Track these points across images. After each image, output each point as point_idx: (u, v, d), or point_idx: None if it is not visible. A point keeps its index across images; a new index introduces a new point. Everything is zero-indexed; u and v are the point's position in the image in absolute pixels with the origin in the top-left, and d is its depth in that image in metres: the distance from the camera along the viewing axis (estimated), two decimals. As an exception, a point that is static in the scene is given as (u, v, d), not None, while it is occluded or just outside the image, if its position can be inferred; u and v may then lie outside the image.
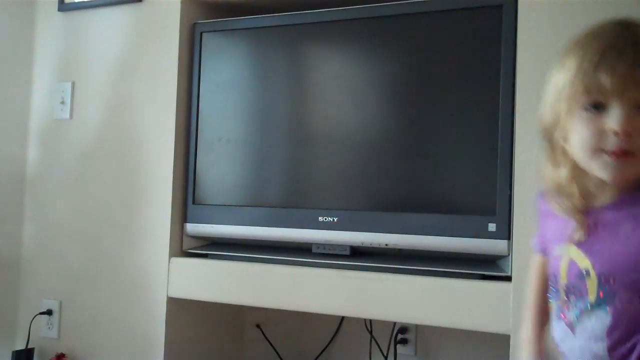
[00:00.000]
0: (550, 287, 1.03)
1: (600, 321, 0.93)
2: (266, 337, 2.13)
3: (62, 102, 2.17)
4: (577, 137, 0.93)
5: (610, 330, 0.92)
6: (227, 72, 1.97)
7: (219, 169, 1.96)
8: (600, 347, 0.93)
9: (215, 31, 1.97)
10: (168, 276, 1.94)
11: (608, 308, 0.91)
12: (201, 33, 1.97)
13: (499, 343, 1.53)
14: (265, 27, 1.90)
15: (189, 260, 1.95)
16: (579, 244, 0.96)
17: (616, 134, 0.88)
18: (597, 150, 0.90)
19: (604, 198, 0.96)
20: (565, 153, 0.97)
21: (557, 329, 1.01)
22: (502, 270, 1.54)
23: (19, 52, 2.24)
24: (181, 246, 1.98)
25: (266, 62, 1.94)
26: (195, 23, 1.99)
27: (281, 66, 1.92)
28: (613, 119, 0.88)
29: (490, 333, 1.52)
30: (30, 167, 2.24)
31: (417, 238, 1.62)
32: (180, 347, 1.98)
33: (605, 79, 0.87)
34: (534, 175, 1.49)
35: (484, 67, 1.57)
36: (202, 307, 2.01)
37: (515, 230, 1.50)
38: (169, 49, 1.97)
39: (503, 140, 1.53)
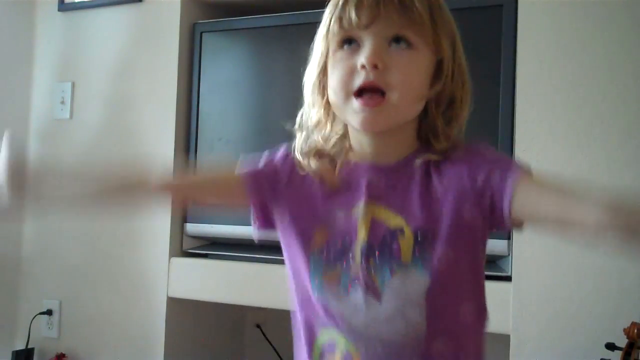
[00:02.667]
0: (324, 254, 0.87)
1: (416, 283, 0.82)
2: (266, 337, 2.13)
3: (62, 102, 2.17)
4: (332, 79, 0.87)
5: (430, 293, 0.82)
6: (227, 72, 1.96)
7: (219, 169, 1.95)
8: (418, 313, 0.82)
9: (215, 31, 1.97)
10: (168, 276, 1.94)
11: (424, 268, 0.82)
12: (201, 33, 1.97)
13: (499, 343, 1.53)
14: (265, 27, 1.90)
15: (189, 260, 1.95)
16: (387, 203, 0.85)
17: (362, 67, 0.82)
18: (349, 93, 0.83)
19: (388, 156, 0.87)
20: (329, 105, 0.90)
21: (347, 302, 0.85)
22: (502, 270, 1.54)
23: (19, 52, 2.24)
24: (181, 246, 1.97)
25: (266, 62, 1.94)
26: (195, 23, 1.99)
27: (281, 66, 1.92)
28: (362, 53, 0.82)
29: (490, 333, 1.52)
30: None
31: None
32: (180, 347, 1.98)
33: (352, 12, 0.83)
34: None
35: (484, 66, 1.57)
36: (202, 307, 2.00)
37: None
38: (169, 49, 1.97)
39: (503, 140, 1.53)
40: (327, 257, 0.87)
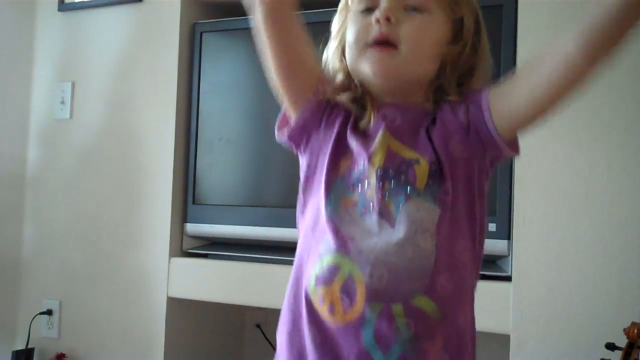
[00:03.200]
0: (345, 178, 0.89)
1: (429, 212, 0.84)
2: (266, 337, 2.13)
3: (62, 102, 2.17)
4: (348, 36, 0.91)
5: (440, 222, 0.84)
6: (227, 72, 1.97)
7: (219, 169, 1.96)
8: (429, 241, 0.83)
9: (215, 31, 1.97)
10: (168, 276, 1.94)
11: (435, 199, 0.84)
12: (201, 33, 1.97)
13: (499, 343, 1.53)
14: (265, 27, 1.90)
15: (189, 260, 1.95)
16: (401, 139, 0.88)
17: (377, 21, 0.87)
18: (364, 46, 0.88)
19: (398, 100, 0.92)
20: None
21: (360, 225, 0.86)
22: (502, 270, 1.54)
23: (19, 52, 2.24)
24: (181, 246, 1.97)
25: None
26: (195, 23, 1.99)
27: (281, 66, 1.92)
28: (378, 10, 0.88)
29: (490, 333, 1.52)
30: (30, 167, 2.24)
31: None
32: (180, 347, 1.98)
33: None
34: (534, 175, 1.50)
35: (484, 67, 1.57)
36: (202, 307, 2.00)
37: (515, 230, 1.50)
38: (169, 49, 1.97)
39: (503, 140, 1.53)
40: (347, 182, 0.89)
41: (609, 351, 1.26)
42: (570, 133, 1.47)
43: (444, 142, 0.86)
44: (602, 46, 0.75)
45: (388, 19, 0.86)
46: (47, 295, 2.15)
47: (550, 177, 1.48)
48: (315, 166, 0.92)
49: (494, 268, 1.55)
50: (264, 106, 1.92)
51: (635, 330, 1.23)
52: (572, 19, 1.49)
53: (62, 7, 2.18)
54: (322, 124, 0.93)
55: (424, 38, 0.87)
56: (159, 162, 1.97)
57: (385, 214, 0.85)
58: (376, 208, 0.85)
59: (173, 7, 1.98)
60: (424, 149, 0.87)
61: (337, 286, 0.84)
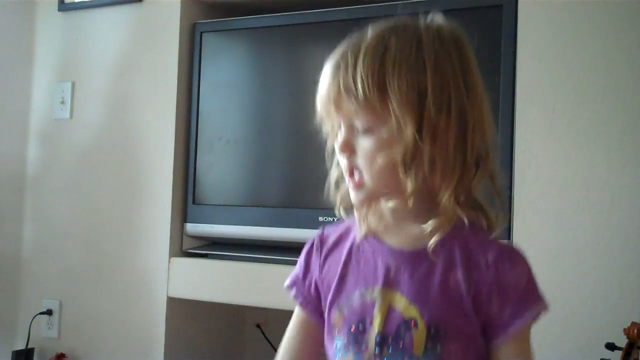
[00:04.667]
0: (342, 338, 0.87)
1: None
2: (266, 337, 2.13)
3: (62, 102, 2.17)
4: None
5: None
6: (227, 72, 1.96)
7: (219, 169, 1.96)
8: None
9: (215, 31, 1.97)
10: (168, 276, 1.94)
11: None
12: (201, 33, 1.97)
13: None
14: (265, 27, 1.90)
15: (189, 260, 1.95)
16: (403, 290, 0.84)
17: (339, 153, 0.85)
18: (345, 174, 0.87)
19: (399, 239, 0.86)
20: None
21: None
22: (502, 270, 1.54)
23: (19, 52, 2.24)
24: (181, 246, 1.97)
25: (266, 62, 1.94)
26: (195, 23, 1.99)
27: (281, 66, 1.92)
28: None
29: (490, 333, 1.52)
30: (30, 167, 2.24)
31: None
32: (180, 347, 1.98)
33: (318, 105, 0.86)
34: (534, 175, 1.50)
35: (484, 67, 1.57)
36: (202, 307, 2.00)
37: (515, 230, 1.50)
38: (169, 49, 1.97)
39: (503, 140, 1.53)
40: (343, 340, 0.87)
41: (609, 351, 1.26)
42: (570, 133, 1.47)
43: (464, 297, 0.82)
44: None
45: (345, 152, 0.84)
46: (47, 295, 2.15)
47: (550, 177, 1.48)
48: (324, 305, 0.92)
49: (494, 268, 1.55)
50: (264, 106, 1.92)
51: (635, 330, 1.23)
52: (572, 19, 1.49)
53: (62, 7, 2.18)
54: (316, 286, 0.93)
55: (376, 162, 0.81)
56: (159, 162, 1.97)
57: None
58: None
59: (173, 7, 1.97)
60: (426, 303, 0.83)
61: None
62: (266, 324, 2.19)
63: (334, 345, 0.88)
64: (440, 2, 1.65)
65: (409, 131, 0.79)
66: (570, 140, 1.47)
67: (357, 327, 0.85)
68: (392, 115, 0.79)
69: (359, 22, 1.95)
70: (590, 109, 1.46)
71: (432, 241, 0.82)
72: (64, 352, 2.09)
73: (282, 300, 1.81)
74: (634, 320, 1.24)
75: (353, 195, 0.85)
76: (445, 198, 0.81)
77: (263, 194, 1.92)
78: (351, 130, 0.83)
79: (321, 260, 0.93)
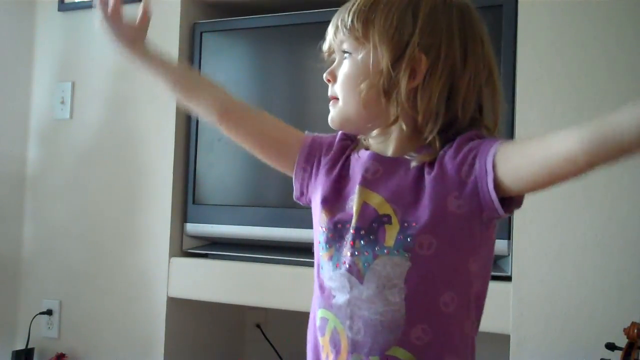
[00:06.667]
0: (325, 233, 0.93)
1: (397, 267, 0.86)
2: (266, 337, 2.13)
3: (62, 102, 2.17)
4: None
5: (409, 277, 0.85)
6: (227, 72, 1.96)
7: (219, 169, 1.96)
8: (397, 295, 0.85)
9: (215, 31, 1.97)
10: (168, 276, 1.94)
11: (407, 253, 0.85)
12: (201, 33, 1.97)
13: (499, 343, 1.53)
14: (265, 27, 1.90)
15: (189, 260, 1.95)
16: (379, 191, 0.90)
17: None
18: None
19: (385, 148, 0.93)
20: None
21: (335, 280, 0.90)
22: (502, 270, 1.54)
23: (19, 52, 2.24)
24: (181, 246, 1.97)
25: (266, 62, 1.94)
26: (195, 23, 1.99)
27: (281, 66, 1.92)
28: None
29: (490, 333, 1.52)
30: (30, 167, 2.24)
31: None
32: (180, 347, 1.98)
33: (324, 41, 0.96)
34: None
35: (484, 67, 1.57)
36: (202, 307, 2.00)
37: (515, 230, 1.50)
38: (169, 49, 1.97)
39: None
40: (327, 235, 0.92)
41: (609, 351, 1.26)
42: (570, 133, 1.47)
43: (440, 194, 0.86)
44: (608, 159, 0.77)
45: (329, 80, 0.94)
46: (47, 295, 2.15)
47: (550, 177, 1.48)
48: (314, 199, 0.98)
49: (494, 268, 1.55)
50: (264, 106, 1.91)
51: (635, 330, 1.23)
52: (572, 19, 1.49)
53: (62, 7, 2.18)
54: (315, 170, 0.99)
55: (349, 85, 0.91)
56: (159, 162, 1.97)
57: (354, 270, 0.88)
58: (346, 265, 0.89)
59: (173, 7, 1.97)
60: (400, 203, 0.88)
61: (327, 338, 0.91)
62: (266, 324, 2.19)
63: (318, 241, 0.94)
64: (440, 2, 1.66)
65: (384, 60, 0.87)
66: (570, 140, 1.47)
67: (341, 223, 0.92)
68: (370, 43, 0.88)
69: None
70: (591, 109, 1.46)
71: (414, 164, 0.89)
72: (64, 352, 2.09)
73: (282, 300, 1.82)
74: (634, 320, 1.24)
75: (330, 116, 0.94)
76: (430, 139, 0.88)
77: (263, 194, 1.92)
78: (341, 58, 0.93)
79: (330, 155, 0.98)
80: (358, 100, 0.90)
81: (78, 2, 2.16)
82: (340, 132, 0.99)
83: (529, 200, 1.51)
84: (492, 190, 0.83)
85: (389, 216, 0.88)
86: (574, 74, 1.48)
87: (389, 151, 0.92)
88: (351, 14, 0.90)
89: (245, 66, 1.98)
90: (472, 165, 0.85)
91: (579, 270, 1.45)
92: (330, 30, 0.93)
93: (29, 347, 2.13)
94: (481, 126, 0.91)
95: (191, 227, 1.96)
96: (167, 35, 1.98)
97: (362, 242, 0.88)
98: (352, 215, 0.90)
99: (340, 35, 0.91)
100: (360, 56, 0.90)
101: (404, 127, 0.89)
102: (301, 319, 2.02)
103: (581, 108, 1.47)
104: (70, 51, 2.18)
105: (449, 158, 0.87)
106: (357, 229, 0.89)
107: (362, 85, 0.89)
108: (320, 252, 0.93)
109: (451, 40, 0.88)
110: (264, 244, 1.87)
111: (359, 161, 0.93)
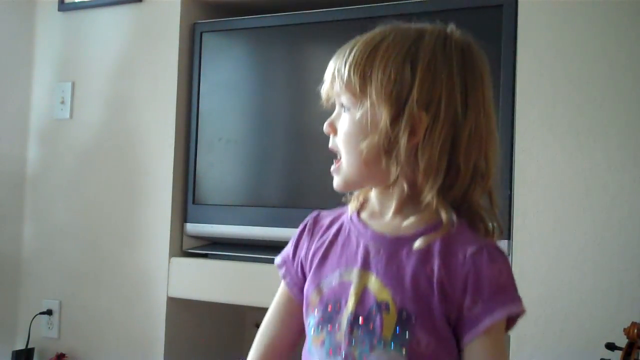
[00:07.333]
0: (316, 316, 0.89)
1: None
2: (266, 337, 2.13)
3: (62, 102, 2.17)
4: None
5: None
6: (227, 72, 1.97)
7: (219, 169, 1.96)
8: None
9: (215, 31, 1.97)
10: (168, 276, 1.94)
11: (403, 348, 0.82)
12: (201, 33, 1.97)
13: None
14: (265, 27, 1.90)
15: (189, 260, 1.95)
16: (380, 273, 0.85)
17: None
18: None
19: (383, 224, 0.88)
20: None
21: None
22: (502, 270, 1.54)
23: (19, 52, 2.24)
24: (181, 246, 1.97)
25: (266, 62, 1.94)
26: (195, 23, 1.99)
27: (281, 66, 1.92)
28: None
29: (490, 333, 1.52)
30: (30, 167, 2.24)
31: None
32: (180, 347, 1.98)
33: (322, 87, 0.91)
34: (534, 175, 1.50)
35: (484, 67, 1.57)
36: (202, 307, 2.00)
37: (515, 230, 1.50)
38: (169, 49, 1.97)
39: (503, 140, 1.53)
40: (317, 317, 0.89)
41: (609, 351, 1.26)
42: (570, 133, 1.47)
43: (441, 299, 0.82)
44: None
45: (329, 132, 0.90)
46: (47, 295, 2.15)
47: (550, 177, 1.48)
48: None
49: (494, 268, 1.55)
50: (264, 106, 1.92)
51: (635, 330, 1.23)
52: (572, 19, 1.49)
53: (62, 7, 2.18)
54: (301, 265, 0.96)
55: (349, 141, 0.86)
56: (159, 162, 1.97)
57: (350, 359, 0.85)
58: (342, 352, 0.85)
59: (173, 7, 1.98)
60: (399, 289, 0.83)
61: None
62: (266, 324, 2.19)
63: (309, 323, 0.90)
64: (440, 2, 1.66)
65: (383, 120, 0.83)
66: (571, 140, 1.47)
67: (333, 307, 0.88)
68: (368, 101, 0.84)
69: (360, 22, 1.95)
70: (591, 109, 1.46)
71: (412, 232, 0.84)
72: (64, 352, 2.09)
73: (282, 300, 1.81)
74: (634, 320, 1.24)
75: (334, 178, 0.90)
76: (429, 198, 0.83)
77: (263, 194, 1.92)
78: (340, 111, 0.89)
79: (310, 241, 0.95)
80: (360, 161, 0.85)
81: (78, 2, 2.16)
82: (306, 223, 0.97)
83: (529, 200, 1.52)
84: (463, 339, 0.82)
85: (387, 303, 0.84)
86: (574, 74, 1.48)
87: (389, 212, 0.87)
88: (347, 66, 0.85)
89: (245, 66, 1.98)
90: (470, 306, 0.81)
91: (579, 270, 1.45)
92: (327, 78, 0.89)
93: (29, 347, 2.13)
94: (485, 177, 0.87)
95: (191, 227, 1.96)
96: (167, 35, 1.98)
97: (359, 331, 0.84)
98: (342, 300, 0.86)
99: (337, 87, 0.87)
100: (359, 114, 0.85)
101: (405, 187, 0.85)
102: (301, 319, 2.02)
103: (581, 108, 1.47)
104: (70, 51, 2.18)
105: (461, 269, 0.82)
106: (355, 317, 0.85)
107: (363, 145, 0.84)
108: (309, 337, 0.90)
109: (452, 91, 0.83)
110: (264, 244, 1.87)
111: (355, 236, 0.89)
